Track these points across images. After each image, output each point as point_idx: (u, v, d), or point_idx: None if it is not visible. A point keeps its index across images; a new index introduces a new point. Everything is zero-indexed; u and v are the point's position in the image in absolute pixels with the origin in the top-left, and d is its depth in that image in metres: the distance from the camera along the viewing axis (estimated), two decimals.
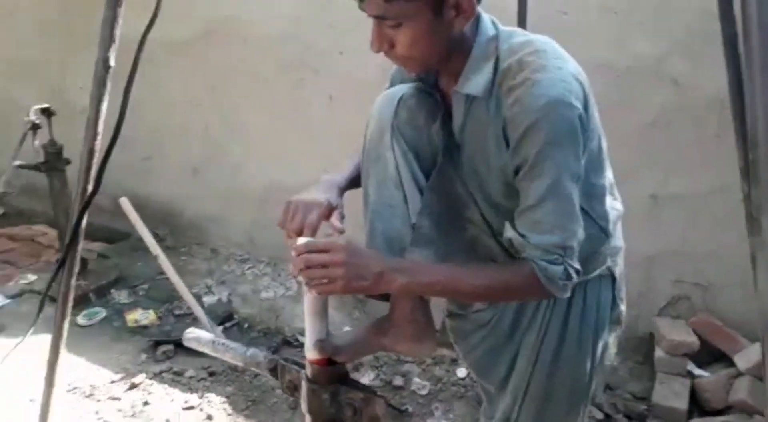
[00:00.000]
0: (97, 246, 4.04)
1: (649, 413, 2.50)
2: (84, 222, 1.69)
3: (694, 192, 2.69)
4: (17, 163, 3.52)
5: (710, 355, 2.63)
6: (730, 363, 2.55)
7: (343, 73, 3.23)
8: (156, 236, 3.90)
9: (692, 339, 2.59)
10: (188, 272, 3.63)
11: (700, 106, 2.56)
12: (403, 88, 1.30)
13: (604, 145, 1.27)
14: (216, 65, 3.71)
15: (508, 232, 1.16)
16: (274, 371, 1.39)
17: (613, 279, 1.36)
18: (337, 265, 1.07)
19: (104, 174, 1.60)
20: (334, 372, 1.27)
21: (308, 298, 1.25)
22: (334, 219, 1.27)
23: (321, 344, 1.24)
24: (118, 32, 1.52)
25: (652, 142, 2.69)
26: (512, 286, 1.15)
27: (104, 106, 1.59)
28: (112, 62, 1.55)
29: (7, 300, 3.18)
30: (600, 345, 1.36)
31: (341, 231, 1.27)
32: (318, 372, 1.26)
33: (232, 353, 1.45)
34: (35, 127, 3.42)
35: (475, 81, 1.16)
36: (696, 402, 2.54)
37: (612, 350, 1.42)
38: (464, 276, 1.15)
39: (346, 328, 2.91)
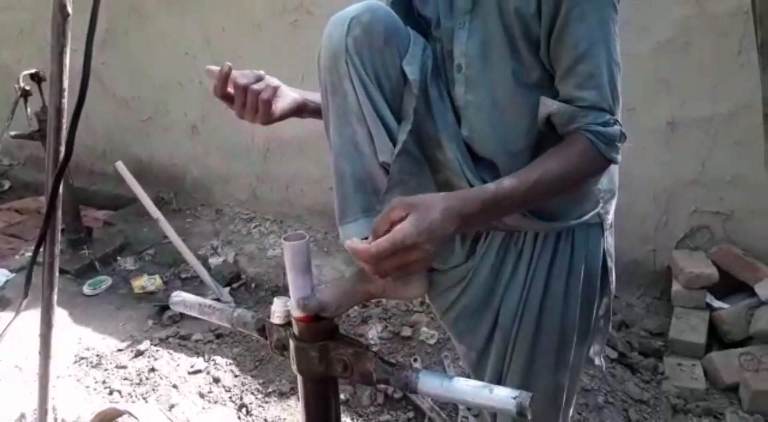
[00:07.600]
0: (102, 214, 4.01)
1: (666, 349, 2.43)
2: (60, 189, 1.60)
3: (713, 116, 2.54)
4: (12, 132, 3.45)
5: (729, 287, 2.54)
6: (751, 293, 2.46)
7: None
8: (162, 199, 3.85)
9: (711, 271, 2.50)
10: (194, 234, 3.57)
11: (724, 17, 2.39)
12: (357, 6, 1.11)
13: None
14: (208, 15, 3.58)
15: (550, 106, 1.02)
16: (262, 331, 1.31)
17: (602, 230, 1.21)
18: (416, 261, 0.92)
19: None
20: (321, 329, 1.18)
21: (288, 254, 1.16)
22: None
23: (304, 301, 1.15)
24: None
25: (667, 65, 2.54)
26: (571, 170, 1.00)
27: (67, 59, 1.50)
28: (69, 10, 1.45)
29: (12, 275, 3.14)
30: (589, 300, 1.22)
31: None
32: (304, 329, 1.18)
33: (219, 314, 1.38)
34: (26, 94, 3.34)
35: None
36: (715, 336, 2.46)
37: (602, 313, 1.28)
38: (521, 186, 0.97)
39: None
